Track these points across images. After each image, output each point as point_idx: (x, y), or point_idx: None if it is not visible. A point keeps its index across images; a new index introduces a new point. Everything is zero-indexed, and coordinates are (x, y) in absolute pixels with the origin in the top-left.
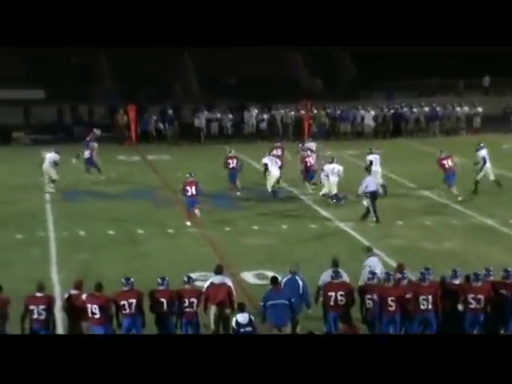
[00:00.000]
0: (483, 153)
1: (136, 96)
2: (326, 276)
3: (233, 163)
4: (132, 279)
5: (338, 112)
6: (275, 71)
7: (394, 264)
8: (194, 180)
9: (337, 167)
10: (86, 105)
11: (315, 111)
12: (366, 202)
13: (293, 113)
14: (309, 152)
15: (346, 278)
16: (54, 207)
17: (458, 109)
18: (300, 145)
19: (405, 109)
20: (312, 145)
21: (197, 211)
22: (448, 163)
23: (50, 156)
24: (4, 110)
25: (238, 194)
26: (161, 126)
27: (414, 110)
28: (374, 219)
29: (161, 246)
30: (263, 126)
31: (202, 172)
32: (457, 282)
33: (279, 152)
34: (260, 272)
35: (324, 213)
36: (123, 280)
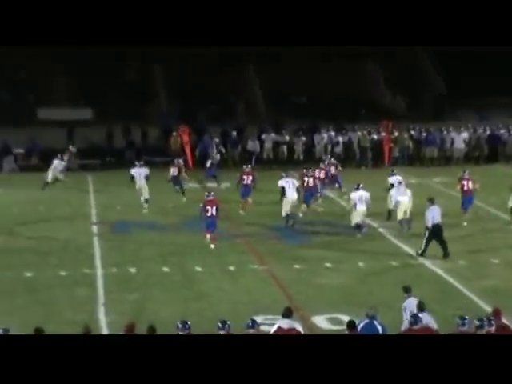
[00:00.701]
0: None
1: (194, 116)
2: (408, 321)
3: (248, 180)
4: (189, 323)
5: (424, 134)
6: (351, 87)
7: (487, 308)
8: (214, 199)
9: (364, 194)
10: (138, 126)
11: (397, 133)
12: (427, 235)
13: (373, 135)
14: (309, 172)
15: (432, 323)
16: (101, 240)
17: None
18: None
19: (502, 130)
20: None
21: (208, 236)
22: (468, 185)
23: (140, 171)
24: (47, 131)
25: (241, 212)
26: (222, 149)
27: None
28: (443, 253)
29: (221, 285)
30: (338, 149)
31: (268, 202)
32: None
33: (322, 173)
34: (334, 316)
35: (407, 248)
36: (179, 324)
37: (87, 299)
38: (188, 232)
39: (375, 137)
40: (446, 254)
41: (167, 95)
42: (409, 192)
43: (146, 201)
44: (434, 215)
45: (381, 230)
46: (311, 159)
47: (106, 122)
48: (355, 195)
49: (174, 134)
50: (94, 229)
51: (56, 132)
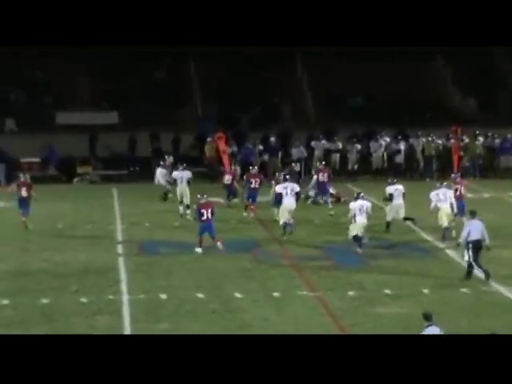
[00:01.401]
0: None
1: (234, 120)
2: None
3: (255, 183)
4: None
5: (498, 141)
6: (414, 87)
7: None
8: (208, 202)
9: (365, 204)
10: (170, 131)
11: (467, 140)
12: (466, 256)
13: (439, 142)
14: (280, 177)
15: None
16: (127, 262)
17: None
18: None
19: None
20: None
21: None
22: (460, 190)
23: (182, 174)
24: (67, 137)
25: (245, 215)
26: (266, 157)
27: None
28: (484, 277)
29: (264, 313)
30: (399, 158)
31: (318, 218)
32: None
33: (325, 178)
34: None
35: (479, 274)
36: None
37: (111, 329)
38: (226, 253)
39: (440, 142)
40: (468, 277)
41: (203, 96)
42: (452, 198)
43: (188, 207)
44: (470, 231)
45: (448, 251)
46: (367, 169)
47: (133, 128)
48: (355, 205)
49: (209, 140)
50: (120, 249)
51: (76, 138)
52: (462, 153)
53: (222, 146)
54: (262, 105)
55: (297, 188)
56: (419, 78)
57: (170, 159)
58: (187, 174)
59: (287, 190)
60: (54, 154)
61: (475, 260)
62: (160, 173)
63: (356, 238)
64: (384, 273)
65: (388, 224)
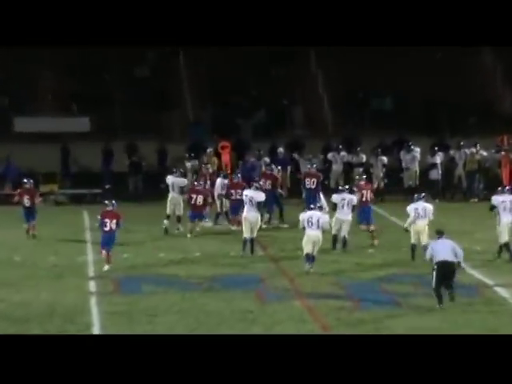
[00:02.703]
0: (496, 199)
1: (233, 127)
2: None
3: (236, 194)
4: None
5: None
6: (455, 86)
7: None
8: (115, 211)
9: (316, 216)
10: (155, 141)
11: None
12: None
13: (485, 153)
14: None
15: None
16: (101, 303)
17: None
18: None
19: None
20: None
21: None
22: (366, 196)
23: (177, 182)
24: (28, 148)
25: (233, 228)
26: (275, 168)
27: None
28: (437, 305)
29: None
30: (434, 175)
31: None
32: None
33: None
34: None
35: None
36: None
37: None
38: (224, 292)
39: (486, 154)
40: (451, 298)
41: (195, 98)
42: (430, 215)
43: (179, 218)
44: (438, 250)
45: (497, 288)
46: (397, 187)
47: (108, 137)
48: (304, 216)
49: (209, 151)
50: (92, 286)
51: (39, 150)
52: None
53: (225, 157)
54: (267, 108)
55: (261, 197)
56: (461, 75)
57: (188, 163)
58: (182, 182)
59: (247, 198)
60: (12, 168)
61: (446, 282)
62: (221, 183)
63: (308, 257)
64: (418, 315)
65: (334, 239)
